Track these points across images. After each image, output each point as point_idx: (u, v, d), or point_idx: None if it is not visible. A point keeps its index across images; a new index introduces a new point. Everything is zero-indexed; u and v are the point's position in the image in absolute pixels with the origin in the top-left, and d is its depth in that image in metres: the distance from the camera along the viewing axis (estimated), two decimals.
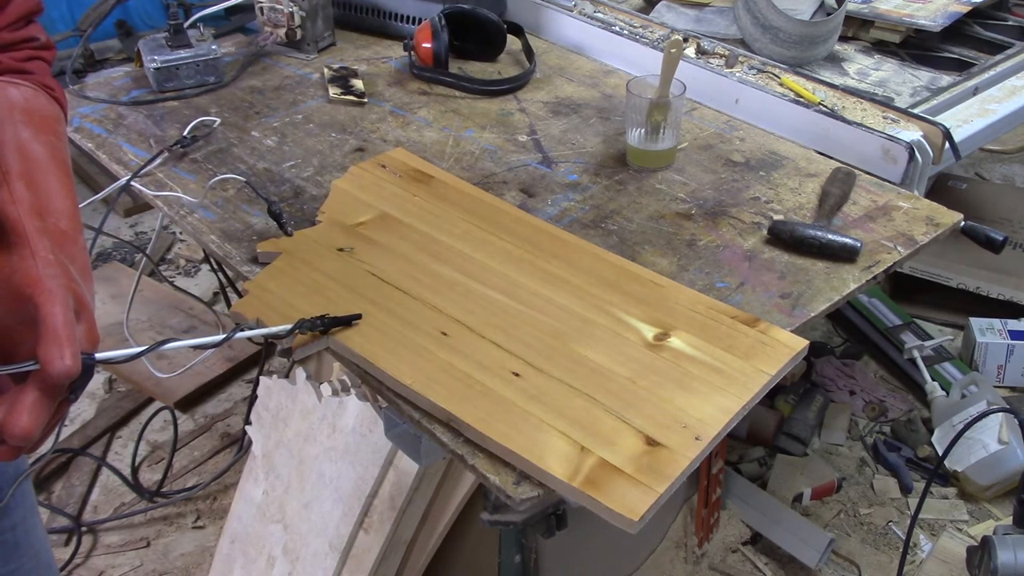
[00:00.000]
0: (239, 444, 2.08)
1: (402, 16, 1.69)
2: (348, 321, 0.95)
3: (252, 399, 1.87)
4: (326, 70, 1.56)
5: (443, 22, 1.54)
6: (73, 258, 0.67)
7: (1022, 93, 1.56)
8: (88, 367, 0.62)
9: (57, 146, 0.74)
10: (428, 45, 1.54)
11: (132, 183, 1.27)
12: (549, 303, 1.01)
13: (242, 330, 0.84)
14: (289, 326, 0.89)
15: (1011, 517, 1.42)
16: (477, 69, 1.62)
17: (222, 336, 0.80)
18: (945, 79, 1.61)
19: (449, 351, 0.93)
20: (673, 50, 1.28)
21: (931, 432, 2.08)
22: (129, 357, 0.69)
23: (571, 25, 1.70)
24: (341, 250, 1.08)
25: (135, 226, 2.92)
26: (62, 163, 0.73)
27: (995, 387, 2.14)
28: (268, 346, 2.13)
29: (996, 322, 2.26)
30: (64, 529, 1.91)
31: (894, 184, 1.30)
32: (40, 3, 0.80)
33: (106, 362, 0.66)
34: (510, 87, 1.54)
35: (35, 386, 0.60)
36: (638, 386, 0.90)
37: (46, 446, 2.02)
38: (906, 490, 2.00)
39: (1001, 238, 1.26)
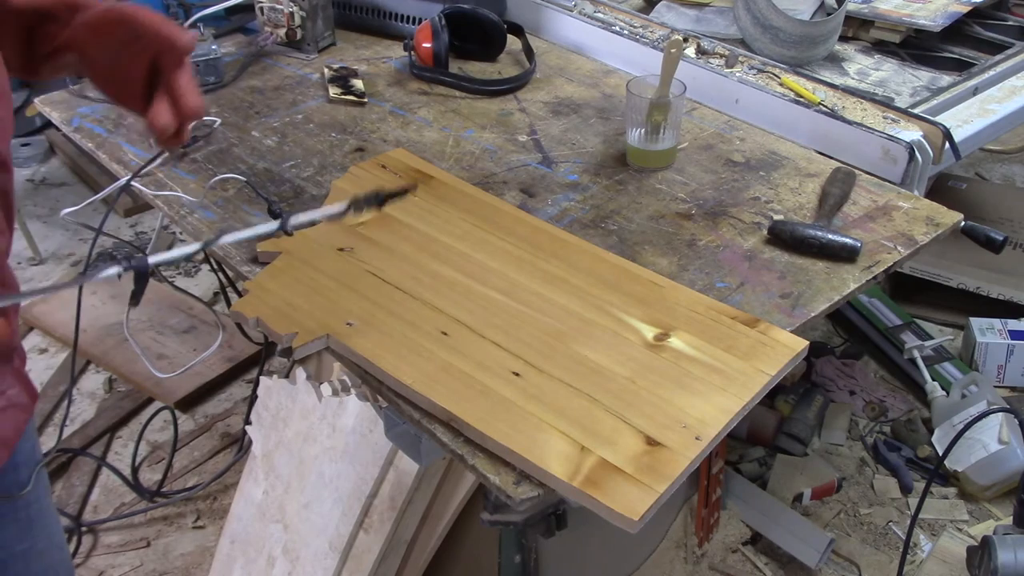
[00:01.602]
0: (239, 444, 2.08)
1: (402, 16, 1.69)
2: (403, 193, 0.88)
3: (252, 399, 1.87)
4: (326, 70, 1.56)
5: (443, 22, 1.54)
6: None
7: (1022, 93, 1.56)
8: (142, 272, 0.67)
9: None
10: (428, 45, 1.54)
11: (132, 183, 1.27)
12: (549, 303, 1.01)
13: (294, 215, 0.81)
14: (344, 205, 0.83)
15: (1011, 517, 1.42)
16: (477, 69, 1.62)
17: (276, 224, 0.80)
18: (945, 79, 1.61)
19: (449, 351, 0.93)
20: (673, 50, 1.28)
21: (931, 432, 2.08)
22: (184, 256, 0.70)
23: (571, 25, 1.70)
24: (341, 250, 1.08)
25: (135, 226, 2.92)
26: None
27: (995, 387, 2.13)
28: (268, 346, 2.13)
29: (996, 322, 2.26)
30: (64, 529, 1.90)
31: (894, 184, 1.30)
32: None
33: (161, 264, 0.68)
34: (510, 87, 1.54)
35: (180, 74, 0.78)
36: (638, 386, 0.90)
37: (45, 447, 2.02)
38: (906, 490, 2.00)
39: (1001, 238, 1.26)
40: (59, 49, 0.82)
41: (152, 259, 0.67)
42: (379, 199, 0.85)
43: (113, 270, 0.65)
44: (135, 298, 0.67)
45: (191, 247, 0.72)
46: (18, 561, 0.94)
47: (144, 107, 0.82)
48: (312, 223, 0.84)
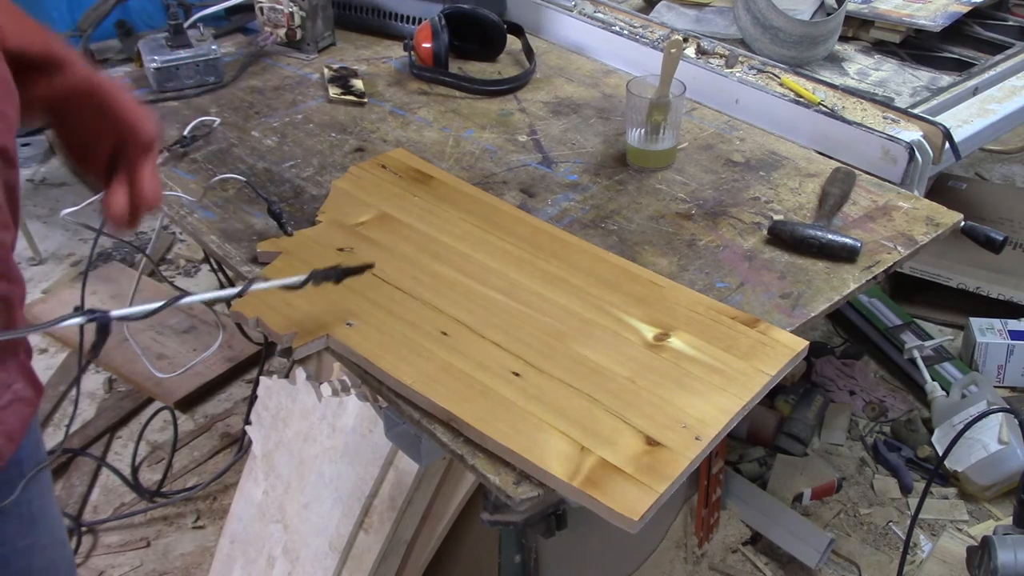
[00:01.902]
0: (239, 444, 2.08)
1: (402, 16, 1.69)
2: (361, 270, 0.93)
3: (252, 399, 1.87)
4: (326, 70, 1.56)
5: (443, 22, 1.54)
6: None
7: (1022, 93, 1.56)
8: (103, 326, 0.67)
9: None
10: (428, 45, 1.54)
11: None
12: (549, 303, 1.01)
13: (255, 283, 0.85)
14: (303, 278, 0.88)
15: (1011, 517, 1.42)
16: (477, 69, 1.62)
17: (237, 288, 0.83)
18: (945, 79, 1.61)
19: (449, 351, 0.93)
20: (673, 50, 1.28)
21: (931, 432, 2.08)
22: (147, 313, 0.71)
23: (571, 25, 1.70)
24: (341, 250, 1.08)
25: None
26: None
27: (995, 387, 2.13)
28: (268, 346, 2.13)
29: (996, 322, 2.26)
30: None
31: (894, 184, 1.30)
32: None
33: (124, 318, 0.69)
34: (510, 87, 1.54)
35: (143, 161, 0.77)
36: (638, 386, 0.90)
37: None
38: (906, 490, 2.00)
39: (1001, 238, 1.26)
40: (34, 100, 0.81)
41: (115, 313, 0.69)
42: (337, 274, 0.90)
43: (77, 320, 0.67)
44: (95, 350, 0.69)
45: (154, 304, 0.73)
46: (20, 557, 0.95)
47: (104, 181, 0.82)
48: (273, 287, 0.89)
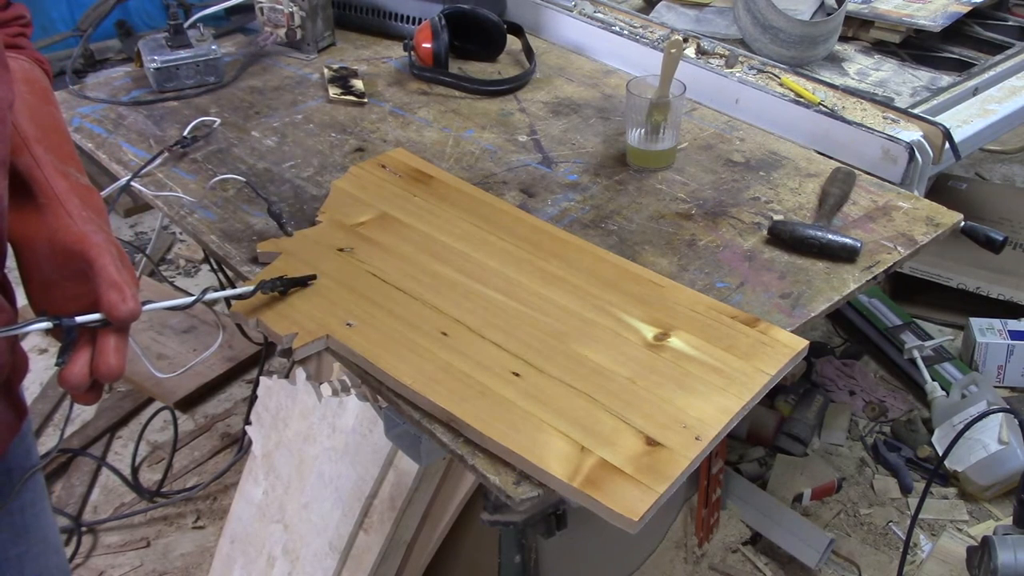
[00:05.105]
0: (239, 444, 2.08)
1: (402, 16, 1.69)
2: (304, 282, 0.99)
3: (252, 399, 1.87)
4: (326, 70, 1.56)
5: (443, 22, 1.54)
6: (99, 211, 0.73)
7: (1022, 93, 1.56)
8: (69, 330, 0.69)
9: (56, 114, 0.81)
10: (428, 45, 1.54)
11: (132, 183, 1.27)
12: (549, 303, 1.01)
13: (208, 292, 0.88)
14: (252, 287, 0.95)
15: (1011, 517, 1.42)
16: (477, 69, 1.62)
17: (192, 298, 0.85)
18: (945, 79, 1.61)
19: (449, 351, 0.93)
20: (673, 50, 1.28)
21: (931, 432, 2.08)
22: (104, 320, 0.71)
23: (571, 25, 1.70)
24: (341, 250, 1.08)
25: (135, 226, 2.92)
26: (65, 127, 0.80)
27: (995, 387, 2.14)
28: (268, 346, 2.13)
29: (996, 322, 2.26)
30: (64, 529, 1.91)
31: (894, 184, 1.30)
32: None
33: (87, 324, 0.70)
34: (510, 87, 1.54)
35: (111, 331, 0.70)
36: (638, 386, 0.90)
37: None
38: (906, 490, 2.00)
39: (1001, 238, 1.26)
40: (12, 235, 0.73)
41: (79, 319, 0.69)
42: (283, 284, 0.98)
43: (43, 324, 0.68)
44: (63, 354, 0.70)
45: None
46: (12, 566, 0.94)
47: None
48: (224, 297, 0.95)
